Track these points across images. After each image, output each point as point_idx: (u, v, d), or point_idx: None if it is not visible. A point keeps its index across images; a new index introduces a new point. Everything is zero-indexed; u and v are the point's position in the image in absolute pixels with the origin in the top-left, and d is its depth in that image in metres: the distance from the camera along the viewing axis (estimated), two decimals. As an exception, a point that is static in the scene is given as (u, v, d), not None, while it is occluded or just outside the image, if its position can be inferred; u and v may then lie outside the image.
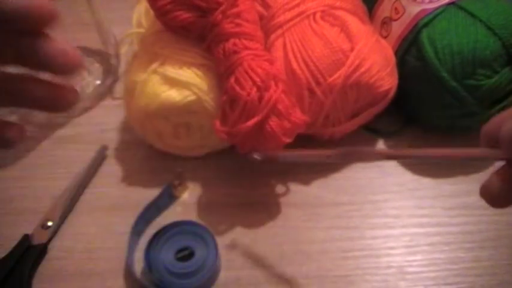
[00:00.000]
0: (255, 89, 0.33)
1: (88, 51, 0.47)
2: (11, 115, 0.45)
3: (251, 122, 0.32)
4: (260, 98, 0.33)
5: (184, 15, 0.34)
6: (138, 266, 0.35)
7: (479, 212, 0.37)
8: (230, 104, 0.34)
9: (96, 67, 0.46)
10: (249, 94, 0.33)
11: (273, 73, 0.34)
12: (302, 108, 0.36)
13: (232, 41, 0.34)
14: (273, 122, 0.33)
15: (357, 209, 0.38)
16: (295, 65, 0.36)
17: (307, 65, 0.36)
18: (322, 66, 0.35)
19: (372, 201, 0.38)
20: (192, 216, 0.37)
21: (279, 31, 0.37)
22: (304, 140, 0.39)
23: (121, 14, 0.45)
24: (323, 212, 0.38)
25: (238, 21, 0.34)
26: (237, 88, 0.33)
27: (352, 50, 0.36)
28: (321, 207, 0.38)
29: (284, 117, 0.33)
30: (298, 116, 0.34)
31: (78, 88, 0.45)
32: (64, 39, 0.46)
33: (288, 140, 0.34)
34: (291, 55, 0.36)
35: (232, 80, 0.33)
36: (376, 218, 0.38)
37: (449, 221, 0.37)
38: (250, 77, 0.33)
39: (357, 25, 0.37)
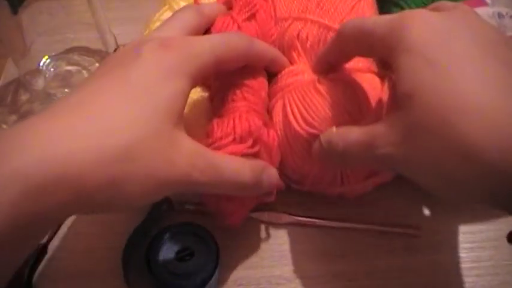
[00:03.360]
0: (230, 139, 0.31)
1: (88, 51, 0.47)
2: (11, 115, 0.45)
3: None
4: (221, 147, 0.31)
5: None
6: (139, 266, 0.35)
7: (480, 212, 0.37)
8: (207, 135, 0.33)
9: (96, 67, 0.46)
10: (221, 138, 0.31)
11: (256, 133, 0.32)
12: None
13: (233, 90, 0.33)
14: None
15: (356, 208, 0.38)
16: (295, 124, 0.34)
17: (308, 123, 0.33)
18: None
19: (371, 200, 0.38)
20: (192, 217, 0.37)
21: (279, 94, 0.36)
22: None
23: (121, 14, 0.45)
24: (323, 211, 0.38)
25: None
26: (215, 127, 0.32)
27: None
28: (320, 207, 0.38)
29: None
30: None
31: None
32: (64, 39, 0.46)
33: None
34: (291, 117, 0.34)
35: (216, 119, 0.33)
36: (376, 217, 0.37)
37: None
38: (233, 126, 0.32)
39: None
